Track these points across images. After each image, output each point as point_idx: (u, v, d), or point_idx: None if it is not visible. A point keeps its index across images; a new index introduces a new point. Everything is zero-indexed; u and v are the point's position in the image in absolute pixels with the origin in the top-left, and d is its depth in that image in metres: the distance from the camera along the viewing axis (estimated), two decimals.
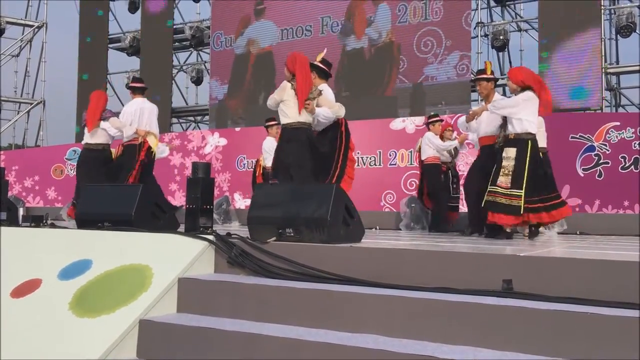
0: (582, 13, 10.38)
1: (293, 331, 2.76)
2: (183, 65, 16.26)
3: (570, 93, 10.39)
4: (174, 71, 15.37)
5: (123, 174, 6.48)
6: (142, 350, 3.02)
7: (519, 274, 2.78)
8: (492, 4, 13.57)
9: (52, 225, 5.31)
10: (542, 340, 2.38)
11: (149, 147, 6.61)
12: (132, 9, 15.25)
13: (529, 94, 5.08)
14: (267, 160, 7.80)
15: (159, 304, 3.19)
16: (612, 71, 11.59)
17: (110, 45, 15.67)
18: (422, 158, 7.62)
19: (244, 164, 10.76)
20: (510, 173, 4.96)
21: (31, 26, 16.86)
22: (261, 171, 8.51)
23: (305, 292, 2.97)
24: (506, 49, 12.92)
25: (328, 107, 5.23)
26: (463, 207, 7.50)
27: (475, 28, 12.15)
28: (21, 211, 6.43)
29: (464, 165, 8.15)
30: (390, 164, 9.59)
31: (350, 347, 2.51)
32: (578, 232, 7.31)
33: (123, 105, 7.21)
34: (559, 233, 6.80)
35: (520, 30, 13.39)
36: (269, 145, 7.96)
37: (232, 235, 3.78)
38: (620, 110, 12.54)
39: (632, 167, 8.05)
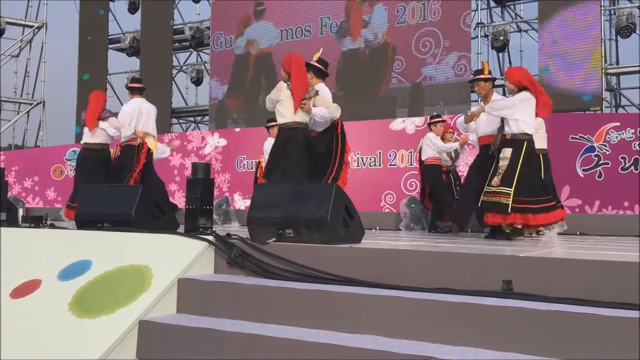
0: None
1: (293, 332, 2.76)
2: (183, 66, 16.26)
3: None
4: (174, 71, 15.37)
5: (124, 174, 6.48)
6: (141, 351, 3.02)
7: (519, 275, 2.78)
8: (492, 4, 13.57)
9: (52, 226, 5.31)
10: (542, 340, 2.38)
11: (148, 149, 6.63)
12: (132, 9, 15.26)
13: (525, 94, 5.09)
14: None
15: (158, 304, 3.19)
16: (612, 72, 11.59)
17: (110, 46, 15.67)
18: (423, 158, 7.61)
19: (244, 165, 10.76)
20: (503, 172, 4.99)
21: (31, 26, 16.86)
22: (262, 172, 8.51)
23: (305, 293, 2.96)
24: (506, 50, 12.92)
25: (324, 107, 5.23)
26: None
27: (475, 29, 12.16)
28: (21, 212, 6.43)
29: (464, 166, 8.14)
30: (390, 165, 9.59)
31: (350, 348, 2.51)
32: (578, 233, 7.31)
33: (125, 104, 7.21)
34: (559, 234, 6.81)
35: (520, 30, 13.39)
36: (270, 146, 7.95)
37: (232, 236, 3.77)
38: (620, 110, 12.54)
39: (632, 167, 8.05)
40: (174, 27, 14.74)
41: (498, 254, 3.07)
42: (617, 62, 12.33)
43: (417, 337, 2.59)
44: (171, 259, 3.53)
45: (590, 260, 2.81)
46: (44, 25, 16.78)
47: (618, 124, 8.24)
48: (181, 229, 4.57)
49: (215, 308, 3.18)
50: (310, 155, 5.16)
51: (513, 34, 12.85)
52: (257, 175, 8.72)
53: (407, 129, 9.54)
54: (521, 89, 5.12)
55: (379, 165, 9.67)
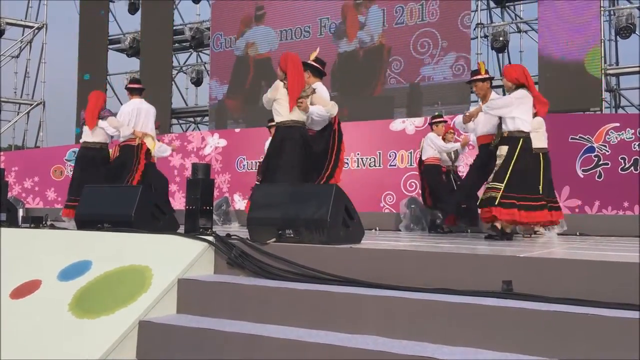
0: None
1: (293, 332, 2.76)
2: (183, 66, 16.26)
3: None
4: (174, 72, 15.37)
5: (123, 174, 6.50)
6: (141, 351, 3.02)
7: (519, 275, 2.78)
8: (492, 5, 13.57)
9: (52, 226, 5.32)
10: (542, 341, 2.38)
11: (147, 149, 6.66)
12: (132, 10, 15.26)
13: (522, 92, 5.10)
14: None
15: (158, 305, 3.19)
16: (612, 72, 11.60)
17: (110, 46, 15.67)
18: (423, 158, 7.61)
19: (244, 165, 10.76)
20: (498, 169, 5.03)
21: (31, 27, 16.86)
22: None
23: (305, 293, 2.96)
24: (506, 50, 12.92)
25: (322, 105, 5.24)
26: None
27: (475, 29, 12.17)
28: (21, 212, 6.44)
29: (464, 167, 8.15)
30: (390, 165, 9.59)
31: (350, 348, 2.51)
32: (578, 233, 7.31)
33: (124, 104, 7.24)
34: (558, 234, 6.81)
35: (520, 31, 13.39)
36: None
37: (232, 236, 3.78)
38: (620, 111, 12.54)
39: (632, 168, 8.05)
40: (174, 27, 14.74)
41: (498, 255, 3.07)
42: (617, 63, 12.34)
43: (417, 338, 2.59)
44: (171, 259, 3.53)
45: (590, 260, 2.81)
46: (44, 26, 16.78)
47: (618, 124, 8.24)
48: (181, 229, 4.57)
49: (215, 308, 3.18)
50: (308, 153, 5.17)
51: (513, 34, 12.86)
52: None
53: (407, 129, 9.54)
54: (519, 86, 5.13)
55: (379, 165, 9.67)
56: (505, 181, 4.93)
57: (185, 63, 16.40)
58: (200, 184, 4.26)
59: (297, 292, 2.99)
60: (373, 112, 11.14)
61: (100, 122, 6.86)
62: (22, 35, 16.96)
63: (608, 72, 11.18)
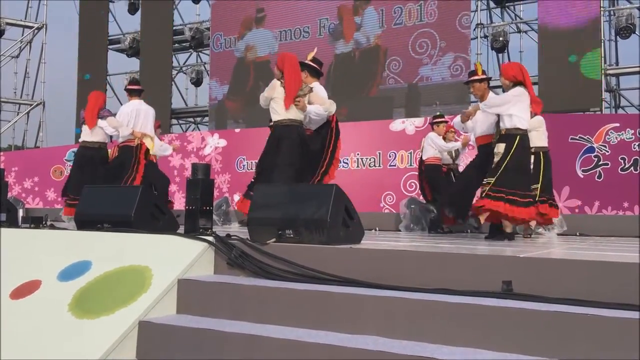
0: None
1: (293, 332, 2.76)
2: (183, 67, 16.26)
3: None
4: (174, 72, 15.37)
5: (122, 174, 6.51)
6: (141, 352, 3.02)
7: (519, 275, 2.78)
8: (492, 5, 13.57)
9: (52, 227, 5.31)
10: (542, 341, 2.38)
11: (147, 150, 6.70)
12: (132, 10, 15.26)
13: (519, 89, 5.11)
14: None
15: (158, 305, 3.19)
16: (612, 72, 11.60)
17: (110, 47, 15.67)
18: (424, 158, 7.62)
19: (244, 165, 10.76)
20: (494, 166, 5.05)
21: (31, 27, 16.86)
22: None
23: (305, 294, 2.96)
24: (506, 51, 12.92)
25: (320, 104, 5.26)
26: None
27: (474, 29, 12.17)
28: (21, 212, 6.43)
29: (464, 166, 8.14)
30: (390, 165, 9.59)
31: (350, 349, 2.51)
32: (578, 234, 7.31)
33: (123, 105, 7.27)
34: (558, 234, 6.81)
35: (519, 31, 13.39)
36: None
37: (232, 237, 3.77)
38: (620, 111, 12.55)
39: (632, 168, 8.05)
40: (174, 27, 14.74)
41: (498, 255, 3.08)
42: (617, 63, 12.34)
43: (417, 338, 2.59)
44: (171, 259, 3.53)
45: (590, 261, 2.81)
46: (44, 26, 16.78)
47: (618, 124, 8.24)
48: (181, 229, 4.57)
49: (215, 309, 3.18)
50: (304, 152, 5.20)
51: (513, 34, 12.86)
52: None
53: (407, 129, 9.55)
54: (516, 84, 5.14)
55: (379, 166, 9.68)
56: (496, 175, 4.96)
57: (185, 63, 16.41)
58: (200, 184, 4.26)
59: (297, 292, 2.99)
60: (372, 112, 11.21)
61: (100, 122, 6.89)
62: (22, 35, 16.96)
63: (608, 72, 11.18)
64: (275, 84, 5.20)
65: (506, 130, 5.09)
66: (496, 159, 5.07)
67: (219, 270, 3.62)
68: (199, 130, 15.57)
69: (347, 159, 9.84)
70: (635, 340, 2.23)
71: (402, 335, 2.62)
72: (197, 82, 15.23)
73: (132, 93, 6.93)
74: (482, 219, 5.08)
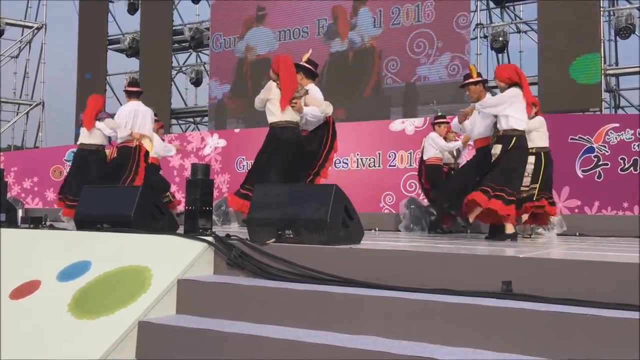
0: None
1: (292, 333, 2.76)
2: (182, 67, 16.26)
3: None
4: (173, 72, 15.36)
5: (120, 175, 6.53)
6: (141, 352, 3.02)
7: (519, 276, 2.78)
8: (492, 5, 13.58)
9: (51, 227, 5.31)
10: (541, 341, 2.38)
11: (147, 152, 6.73)
12: (132, 10, 15.25)
13: (515, 90, 5.11)
14: None
15: (158, 305, 3.19)
16: (612, 72, 11.60)
17: (110, 47, 15.66)
18: (425, 158, 7.61)
19: (244, 165, 10.76)
20: (491, 167, 5.06)
21: (30, 27, 16.86)
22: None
23: (304, 294, 2.96)
24: (505, 51, 12.93)
25: (316, 105, 5.29)
26: None
27: (474, 30, 12.18)
28: (20, 212, 6.43)
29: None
30: (389, 165, 9.59)
31: (350, 349, 2.51)
32: (577, 234, 7.32)
33: (122, 106, 7.31)
34: (558, 234, 6.81)
35: (519, 31, 13.40)
36: None
37: (232, 237, 3.77)
38: (620, 111, 12.55)
39: (632, 168, 8.05)
40: (173, 27, 14.73)
41: (498, 255, 3.07)
42: (617, 63, 12.34)
43: (416, 338, 2.59)
44: (171, 259, 3.53)
45: (590, 261, 2.81)
46: (44, 26, 16.78)
47: (617, 125, 8.25)
48: (181, 229, 4.57)
49: (214, 309, 3.18)
50: (302, 153, 5.23)
51: (512, 34, 12.87)
52: None
53: (407, 129, 9.55)
54: (511, 85, 5.15)
55: (379, 166, 9.68)
56: (489, 174, 4.99)
57: (185, 63, 16.41)
58: (200, 184, 4.26)
59: (297, 292, 2.99)
60: (370, 111, 11.32)
61: (98, 124, 6.98)
62: (22, 35, 16.96)
63: (607, 72, 11.18)
64: (271, 85, 5.23)
65: (503, 131, 5.10)
66: (493, 160, 5.08)
67: (218, 270, 3.62)
68: (199, 130, 15.57)
69: (347, 159, 9.85)
70: (635, 340, 2.23)
71: (401, 335, 2.62)
72: (196, 82, 15.23)
73: (131, 94, 6.98)
74: (471, 217, 5.09)
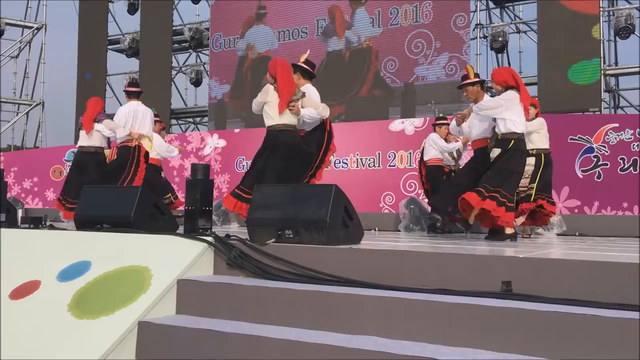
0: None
1: (292, 333, 2.76)
2: (182, 67, 16.26)
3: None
4: (173, 72, 15.36)
5: (120, 175, 6.54)
6: (141, 352, 3.02)
7: (519, 276, 2.78)
8: (491, 5, 13.58)
9: (51, 227, 5.30)
10: (541, 341, 2.38)
11: (147, 153, 6.73)
12: (132, 10, 15.25)
13: (511, 93, 5.12)
14: None
15: (158, 305, 3.19)
16: (611, 72, 11.60)
17: (110, 47, 15.66)
18: (425, 159, 7.61)
19: (243, 166, 10.76)
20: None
21: (30, 27, 16.86)
22: None
23: (304, 294, 2.96)
24: (505, 51, 12.93)
25: (313, 107, 5.31)
26: None
27: (474, 30, 12.19)
28: (20, 212, 6.44)
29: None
30: (389, 166, 9.59)
31: (350, 349, 2.51)
32: (577, 234, 7.32)
33: (122, 106, 7.33)
34: (558, 234, 6.82)
35: (519, 31, 13.40)
36: None
37: (232, 237, 3.77)
38: (619, 111, 12.55)
39: (631, 168, 8.05)
40: (173, 28, 14.74)
41: (497, 255, 3.07)
42: (616, 63, 12.34)
43: (416, 338, 2.59)
44: (171, 260, 3.53)
45: (590, 261, 2.81)
46: (43, 26, 16.78)
47: (617, 125, 8.25)
48: (180, 230, 4.57)
49: (214, 309, 3.18)
50: (300, 155, 5.25)
51: (512, 35, 12.87)
52: None
53: (407, 130, 9.55)
54: (507, 88, 5.15)
55: (378, 166, 9.68)
56: (485, 176, 4.99)
57: (185, 63, 16.41)
58: (200, 184, 4.26)
59: (297, 292, 2.99)
60: (368, 111, 11.41)
61: (96, 125, 7.03)
62: (22, 35, 16.95)
63: (607, 72, 11.18)
64: (269, 88, 5.25)
65: (502, 135, 5.10)
66: (491, 163, 5.09)
67: (218, 270, 3.62)
68: (199, 130, 15.57)
69: (347, 159, 9.85)
70: (635, 340, 2.23)
71: (401, 335, 2.62)
72: (196, 83, 15.23)
73: (130, 95, 6.98)
74: (471, 219, 5.08)
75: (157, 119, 8.20)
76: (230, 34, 13.67)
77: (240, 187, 5.40)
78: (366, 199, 8.90)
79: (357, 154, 9.79)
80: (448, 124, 7.79)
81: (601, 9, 10.64)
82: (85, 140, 7.15)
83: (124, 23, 16.13)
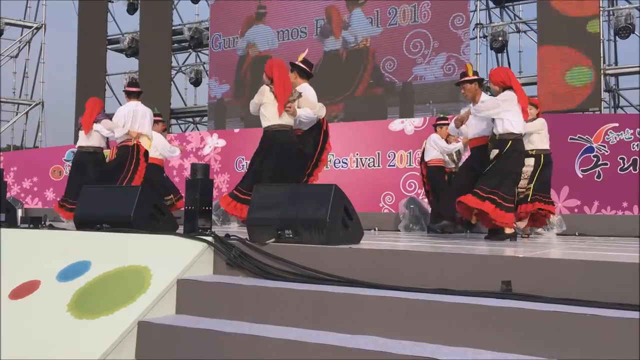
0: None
1: (292, 333, 2.76)
2: (182, 67, 16.25)
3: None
4: (173, 72, 15.36)
5: (118, 175, 6.54)
6: (140, 352, 3.02)
7: (518, 275, 2.78)
8: (491, 5, 13.58)
9: (51, 227, 5.30)
10: (541, 341, 2.38)
11: (146, 151, 6.73)
12: (131, 10, 15.25)
13: (509, 94, 5.12)
14: None
15: (157, 305, 3.19)
16: (611, 72, 11.60)
17: (109, 47, 15.66)
18: (426, 159, 7.60)
19: (243, 165, 10.75)
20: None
21: (30, 27, 16.85)
22: None
23: (304, 294, 2.96)
24: (505, 51, 12.94)
25: (309, 107, 5.32)
26: None
27: (474, 29, 12.19)
28: (20, 212, 6.44)
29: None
30: (389, 165, 9.59)
31: (350, 349, 2.51)
32: (577, 233, 7.31)
33: (121, 106, 7.34)
34: (558, 234, 6.81)
35: (519, 31, 13.40)
36: None
37: (231, 237, 3.77)
38: (619, 111, 12.55)
39: (631, 168, 8.05)
40: (173, 27, 14.73)
41: (497, 255, 3.07)
42: (616, 63, 12.34)
43: (416, 338, 2.59)
44: (170, 259, 3.53)
45: (590, 260, 2.81)
46: (43, 26, 16.77)
47: (617, 124, 8.25)
48: (180, 229, 4.56)
49: (214, 309, 3.18)
50: (296, 155, 5.26)
51: (512, 34, 12.87)
52: None
53: (406, 129, 9.55)
54: (505, 88, 5.16)
55: (378, 165, 9.68)
56: (483, 177, 5.00)
57: (184, 63, 16.40)
58: (200, 184, 4.26)
59: (297, 292, 2.99)
60: (366, 110, 11.45)
61: (95, 125, 7.04)
62: (21, 35, 16.95)
63: (607, 72, 11.18)
64: (265, 89, 5.27)
65: (499, 135, 5.11)
66: (490, 164, 5.09)
67: (218, 270, 3.62)
68: (198, 130, 15.56)
69: (347, 159, 9.85)
70: (635, 340, 2.23)
71: (401, 335, 2.62)
72: (196, 82, 15.23)
73: (130, 95, 6.98)
74: (473, 219, 5.09)
75: (159, 118, 8.22)
76: (230, 33, 13.67)
77: (238, 187, 5.41)
78: (366, 199, 8.90)
79: (357, 154, 9.79)
80: (449, 124, 7.79)
81: (601, 8, 10.63)
82: (84, 140, 7.17)
83: (123, 23, 16.13)
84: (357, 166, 9.79)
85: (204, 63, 15.21)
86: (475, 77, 5.52)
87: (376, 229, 8.20)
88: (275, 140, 5.22)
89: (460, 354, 2.40)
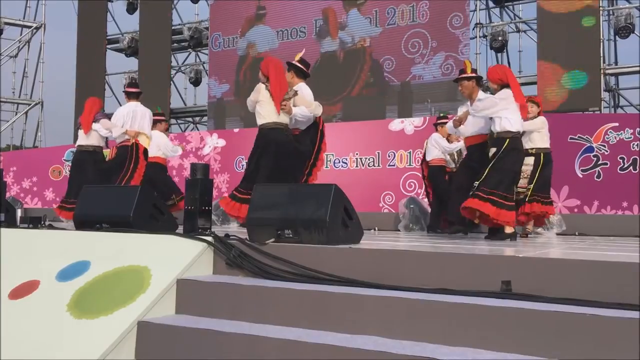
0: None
1: (292, 333, 2.75)
2: (181, 66, 16.25)
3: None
4: (172, 72, 15.35)
5: (120, 173, 6.55)
6: (140, 352, 3.01)
7: (518, 275, 2.77)
8: (491, 5, 13.58)
9: (50, 227, 5.30)
10: (541, 341, 2.38)
11: (145, 149, 6.74)
12: (131, 9, 15.25)
13: (506, 92, 5.12)
14: None
15: (157, 305, 3.18)
16: (611, 72, 11.60)
17: (109, 46, 15.65)
18: (428, 159, 7.59)
19: (243, 165, 10.74)
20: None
21: (29, 27, 16.84)
22: None
23: (304, 294, 2.96)
24: (505, 50, 12.94)
25: (305, 106, 5.33)
26: None
27: (473, 29, 12.19)
28: (19, 212, 6.43)
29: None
30: (389, 165, 9.59)
31: (350, 349, 2.50)
32: (577, 233, 7.31)
33: (121, 106, 7.35)
34: (557, 234, 6.81)
35: (519, 31, 13.40)
36: None
37: (231, 237, 3.77)
38: (619, 111, 12.55)
39: (631, 167, 8.05)
40: (173, 27, 14.73)
41: (497, 255, 3.07)
42: (616, 63, 12.35)
43: (416, 338, 2.58)
44: (170, 259, 3.53)
45: (590, 260, 2.80)
46: (42, 26, 16.77)
47: (617, 124, 8.25)
48: (180, 229, 4.56)
49: (214, 309, 3.17)
50: (292, 153, 5.27)
51: (512, 34, 12.88)
52: None
53: (406, 129, 9.54)
54: (503, 86, 5.16)
55: (378, 165, 9.67)
56: (482, 177, 4.99)
57: (184, 63, 16.40)
58: (199, 184, 4.25)
59: (297, 292, 2.98)
60: (365, 110, 11.50)
61: (94, 125, 7.06)
62: (21, 35, 16.94)
63: (607, 72, 11.18)
64: (261, 87, 5.29)
65: (497, 134, 5.11)
66: (488, 162, 5.09)
67: (218, 270, 3.61)
68: (198, 130, 15.56)
69: (346, 159, 9.85)
70: (635, 340, 2.22)
71: (401, 335, 2.62)
72: (195, 82, 15.23)
73: (130, 95, 7.01)
74: (476, 220, 5.09)
75: (162, 118, 8.22)
76: (230, 33, 13.68)
77: (237, 188, 5.43)
78: (366, 199, 8.89)
79: (357, 154, 9.79)
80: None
81: (601, 8, 10.63)
82: (83, 139, 7.19)
83: (123, 22, 16.14)
84: (357, 166, 9.79)
85: (204, 63, 15.22)
86: (473, 75, 5.52)
87: (376, 228, 8.19)
88: (270, 138, 5.22)
89: (460, 354, 2.40)
